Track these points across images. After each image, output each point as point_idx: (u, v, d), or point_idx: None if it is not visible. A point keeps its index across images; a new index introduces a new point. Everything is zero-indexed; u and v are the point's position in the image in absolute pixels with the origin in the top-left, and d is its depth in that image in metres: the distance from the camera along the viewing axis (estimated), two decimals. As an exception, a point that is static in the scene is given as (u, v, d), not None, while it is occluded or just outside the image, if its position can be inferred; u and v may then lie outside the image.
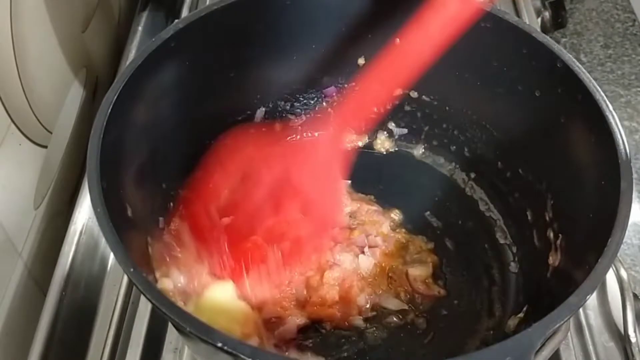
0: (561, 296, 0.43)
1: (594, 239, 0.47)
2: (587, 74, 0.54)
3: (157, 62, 0.56)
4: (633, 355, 0.62)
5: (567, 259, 0.55)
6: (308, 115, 0.74)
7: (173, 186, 0.64)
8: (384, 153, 0.76)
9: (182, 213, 0.62)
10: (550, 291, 0.57)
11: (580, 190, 0.55)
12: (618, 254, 0.45)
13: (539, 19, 0.97)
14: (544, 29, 0.98)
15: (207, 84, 0.63)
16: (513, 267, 0.66)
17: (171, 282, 0.58)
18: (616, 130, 0.51)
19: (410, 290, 0.64)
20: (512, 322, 0.61)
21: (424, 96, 0.71)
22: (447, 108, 0.70)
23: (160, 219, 0.62)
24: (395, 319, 0.62)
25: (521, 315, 0.60)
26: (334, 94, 0.72)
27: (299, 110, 0.73)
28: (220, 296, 0.57)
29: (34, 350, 0.62)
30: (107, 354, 0.63)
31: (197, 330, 0.40)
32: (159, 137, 0.60)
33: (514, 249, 0.67)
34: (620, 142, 0.50)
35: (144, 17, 0.98)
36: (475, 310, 0.63)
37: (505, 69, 0.62)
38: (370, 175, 0.72)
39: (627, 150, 0.50)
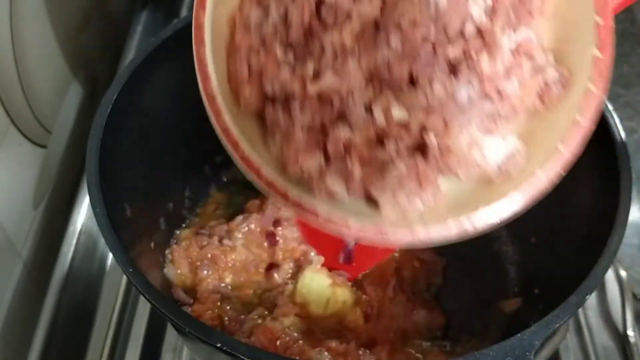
0: (560, 297, 0.43)
1: (593, 239, 0.47)
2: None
3: (156, 62, 0.56)
4: (632, 355, 0.62)
5: (567, 259, 0.55)
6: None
7: (172, 187, 0.64)
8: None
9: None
10: (549, 290, 0.56)
11: (579, 190, 0.55)
12: (617, 254, 0.45)
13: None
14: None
15: (207, 83, 0.63)
16: (511, 267, 0.66)
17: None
18: (616, 130, 0.51)
19: None
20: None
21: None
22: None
23: (161, 219, 0.61)
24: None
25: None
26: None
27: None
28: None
29: (33, 350, 0.63)
30: (107, 354, 0.63)
31: (196, 331, 0.40)
32: (157, 137, 0.60)
33: (512, 249, 0.67)
34: (620, 142, 0.50)
35: (143, 17, 0.98)
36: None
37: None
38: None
39: (627, 150, 0.50)
